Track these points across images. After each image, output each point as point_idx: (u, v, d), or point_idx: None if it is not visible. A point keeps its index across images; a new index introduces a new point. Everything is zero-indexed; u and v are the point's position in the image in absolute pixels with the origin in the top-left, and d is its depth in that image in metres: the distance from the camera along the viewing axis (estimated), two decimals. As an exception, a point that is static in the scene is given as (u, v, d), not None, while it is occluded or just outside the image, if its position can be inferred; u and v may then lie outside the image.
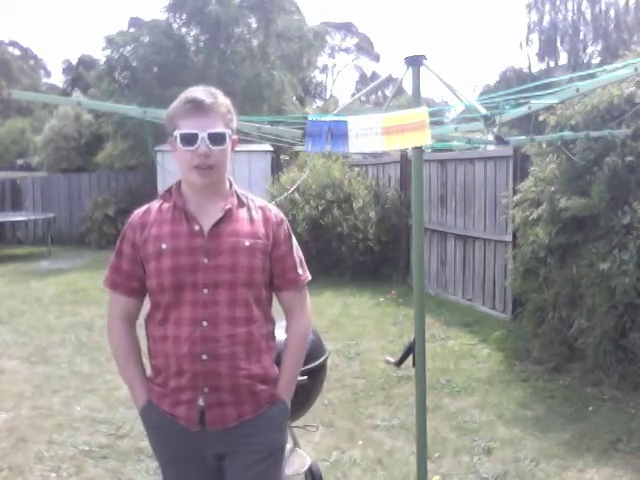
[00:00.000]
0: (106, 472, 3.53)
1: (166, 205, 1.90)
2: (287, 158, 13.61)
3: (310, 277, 2.04)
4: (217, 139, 1.80)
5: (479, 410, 4.32)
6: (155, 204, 1.93)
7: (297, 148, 3.18)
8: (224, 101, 1.85)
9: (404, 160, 8.70)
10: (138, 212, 1.94)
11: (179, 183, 1.92)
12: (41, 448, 3.81)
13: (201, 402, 1.82)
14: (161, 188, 12.23)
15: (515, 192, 5.87)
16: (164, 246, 1.82)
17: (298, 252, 2.00)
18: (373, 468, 3.54)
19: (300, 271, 1.99)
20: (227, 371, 1.81)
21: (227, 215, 1.86)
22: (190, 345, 1.80)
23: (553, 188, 4.99)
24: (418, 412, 2.62)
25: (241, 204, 1.92)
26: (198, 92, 1.81)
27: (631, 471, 3.42)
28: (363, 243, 8.86)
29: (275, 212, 1.97)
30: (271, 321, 1.97)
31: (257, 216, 1.92)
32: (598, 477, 3.39)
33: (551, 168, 5.09)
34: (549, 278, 5.15)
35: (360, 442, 3.86)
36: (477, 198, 7.18)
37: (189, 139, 1.78)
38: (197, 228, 1.84)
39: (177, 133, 1.80)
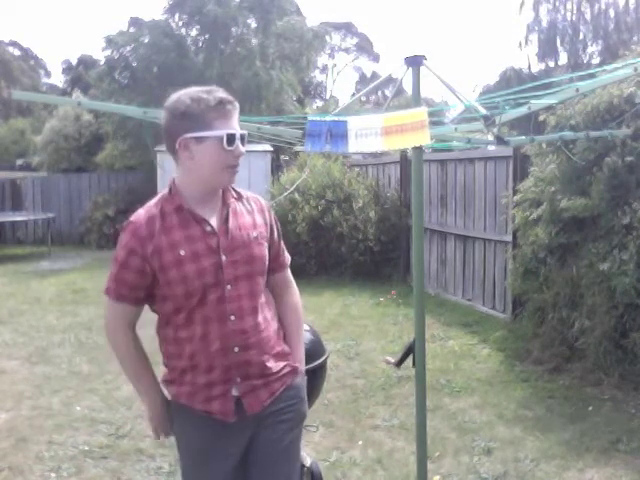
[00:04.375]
0: (106, 472, 3.53)
1: (168, 208, 1.85)
2: (287, 158, 13.62)
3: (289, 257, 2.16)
4: (244, 139, 1.87)
5: (479, 410, 4.32)
6: (153, 209, 1.86)
7: (297, 148, 3.18)
8: None
9: (404, 160, 8.70)
10: (140, 221, 1.83)
11: (174, 184, 1.88)
12: (41, 448, 3.81)
13: (235, 392, 1.89)
14: (161, 188, 12.20)
15: (515, 192, 5.87)
16: (182, 252, 1.81)
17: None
18: (373, 468, 3.54)
19: (285, 253, 2.13)
20: (256, 358, 1.89)
21: (231, 211, 1.91)
22: (222, 340, 1.85)
23: (553, 188, 4.99)
24: (418, 412, 2.62)
25: (239, 197, 1.98)
26: (221, 92, 1.83)
27: (631, 471, 3.42)
28: (363, 243, 8.87)
29: (263, 201, 2.06)
30: (273, 303, 2.06)
31: (251, 207, 1.99)
32: (598, 477, 3.39)
33: (551, 168, 5.09)
34: (549, 278, 5.15)
35: (360, 442, 3.86)
36: (477, 198, 7.18)
37: (232, 140, 1.81)
38: (209, 229, 1.86)
39: (223, 133, 1.78)
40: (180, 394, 1.92)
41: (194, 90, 1.83)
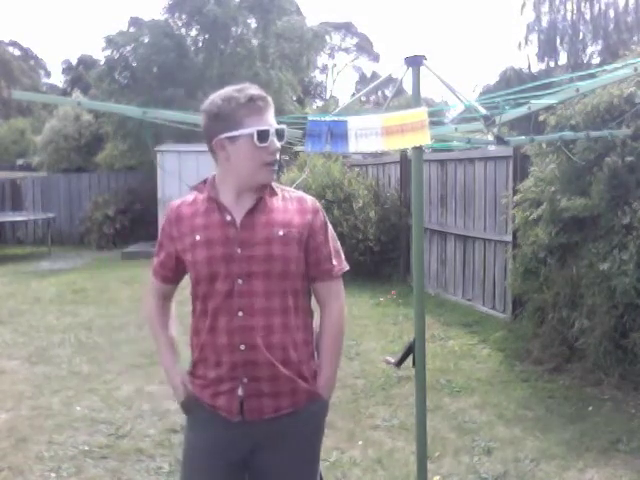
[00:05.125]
0: (106, 472, 3.53)
1: (200, 197, 1.91)
2: (287, 158, 13.62)
3: (347, 267, 2.00)
4: (281, 135, 1.85)
5: (479, 410, 4.32)
6: (188, 197, 1.94)
7: (297, 148, 3.17)
8: None
9: (404, 160, 8.70)
10: (174, 205, 1.94)
11: (214, 177, 1.92)
12: (41, 448, 3.80)
13: (240, 392, 1.83)
14: (161, 188, 12.25)
15: (515, 192, 5.87)
16: (198, 237, 1.84)
17: (334, 242, 1.98)
18: (373, 468, 3.54)
19: (335, 262, 1.95)
20: (265, 361, 1.81)
21: (260, 205, 1.85)
22: (228, 335, 1.81)
23: (553, 188, 4.99)
24: (418, 412, 2.62)
25: (273, 194, 1.90)
26: (253, 89, 1.81)
27: (631, 471, 3.42)
28: (363, 243, 8.86)
29: (311, 202, 1.95)
30: (309, 313, 1.95)
31: (292, 206, 1.90)
32: (598, 477, 3.39)
33: (551, 168, 5.08)
34: (549, 278, 5.15)
35: (360, 442, 3.86)
36: (477, 198, 7.18)
37: (264, 136, 1.79)
38: (229, 218, 1.83)
39: (253, 130, 1.78)
40: (194, 386, 1.92)
41: (226, 90, 1.83)
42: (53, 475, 3.50)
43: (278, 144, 1.83)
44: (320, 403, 1.92)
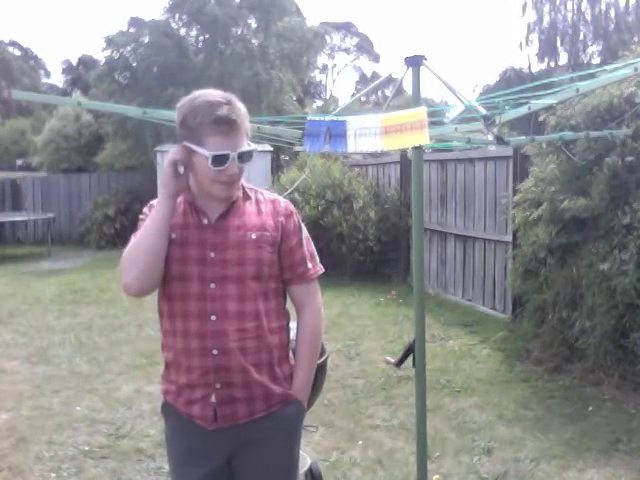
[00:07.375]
0: (106, 472, 3.53)
1: (181, 198, 1.88)
2: (287, 158, 13.63)
3: (322, 270, 1.99)
4: (246, 157, 1.79)
5: (479, 410, 4.32)
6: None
7: (297, 148, 3.18)
8: (243, 110, 1.80)
9: (404, 160, 8.70)
10: (153, 203, 1.92)
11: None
12: (41, 448, 3.81)
13: (213, 399, 1.80)
14: (161, 188, 12.24)
15: (515, 192, 5.87)
16: (174, 236, 1.81)
17: (309, 245, 1.97)
18: (373, 468, 3.54)
19: (310, 265, 1.95)
20: (238, 366, 1.78)
21: (233, 208, 1.85)
22: (200, 339, 1.78)
23: (553, 188, 4.99)
24: (418, 412, 2.62)
25: (247, 197, 1.89)
26: (224, 109, 1.72)
27: (631, 471, 3.42)
28: (363, 243, 8.86)
29: (285, 204, 1.93)
30: (284, 315, 1.94)
31: (266, 209, 1.89)
32: (598, 477, 3.39)
33: (551, 168, 5.08)
34: (549, 278, 5.16)
35: (360, 442, 3.86)
36: (477, 198, 7.18)
37: (221, 160, 1.74)
38: (206, 222, 1.83)
39: (208, 154, 1.72)
40: (167, 392, 1.90)
41: (201, 99, 1.76)
42: (53, 475, 3.50)
43: (236, 168, 1.77)
44: (296, 406, 1.91)
